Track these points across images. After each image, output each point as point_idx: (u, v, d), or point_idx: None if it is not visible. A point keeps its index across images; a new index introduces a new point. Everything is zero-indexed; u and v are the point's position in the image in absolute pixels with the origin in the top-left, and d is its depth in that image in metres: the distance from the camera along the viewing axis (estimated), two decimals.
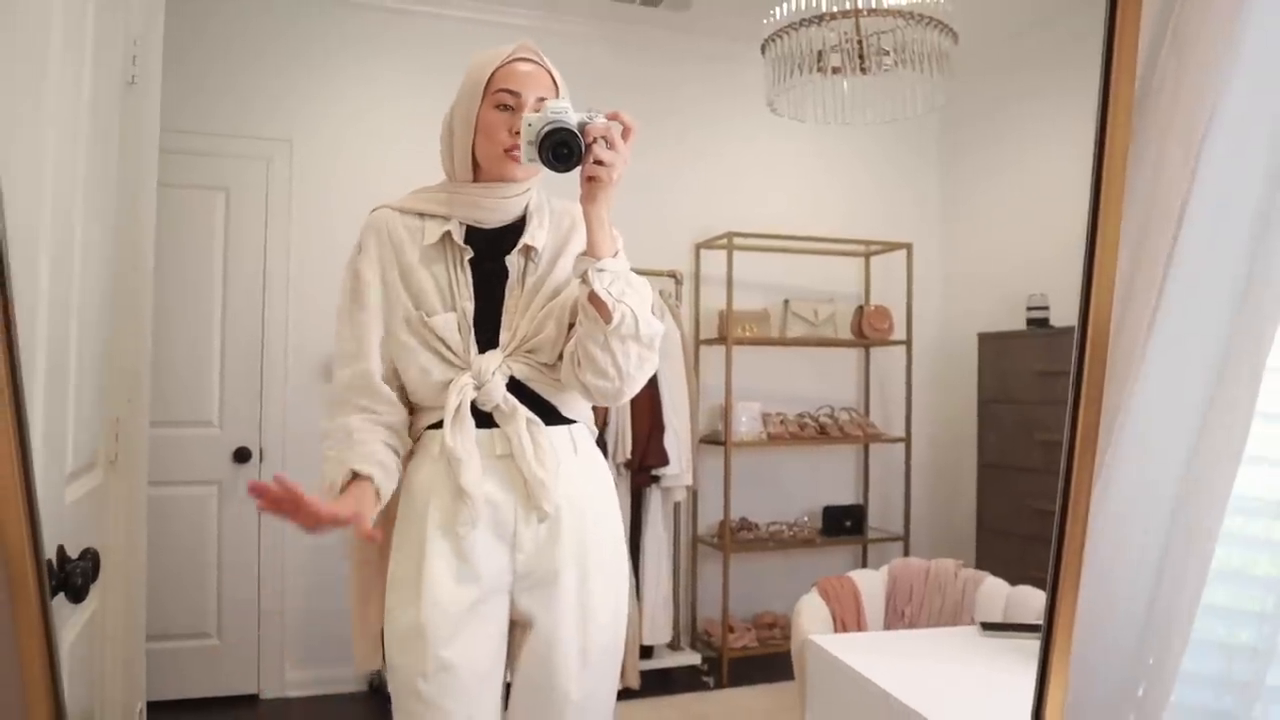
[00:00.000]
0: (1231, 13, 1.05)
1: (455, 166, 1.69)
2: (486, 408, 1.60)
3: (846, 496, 4.91)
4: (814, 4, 2.91)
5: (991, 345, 4.39)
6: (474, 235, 1.67)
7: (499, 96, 1.62)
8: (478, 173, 1.67)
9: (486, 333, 1.64)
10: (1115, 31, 0.99)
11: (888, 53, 2.93)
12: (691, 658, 4.40)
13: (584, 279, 1.53)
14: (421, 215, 1.68)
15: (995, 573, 3.86)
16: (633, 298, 1.55)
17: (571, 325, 1.63)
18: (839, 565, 4.86)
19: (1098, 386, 1.06)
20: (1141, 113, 1.05)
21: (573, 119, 1.50)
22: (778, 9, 3.00)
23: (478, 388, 1.60)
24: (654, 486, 4.25)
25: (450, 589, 1.56)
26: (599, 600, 1.64)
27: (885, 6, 2.86)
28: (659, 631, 4.23)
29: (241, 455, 3.97)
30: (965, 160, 5.06)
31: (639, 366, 1.60)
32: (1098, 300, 1.03)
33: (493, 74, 1.63)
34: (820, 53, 2.95)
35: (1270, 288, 1.07)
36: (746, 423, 4.52)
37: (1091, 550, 1.05)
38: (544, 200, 1.74)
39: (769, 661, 4.24)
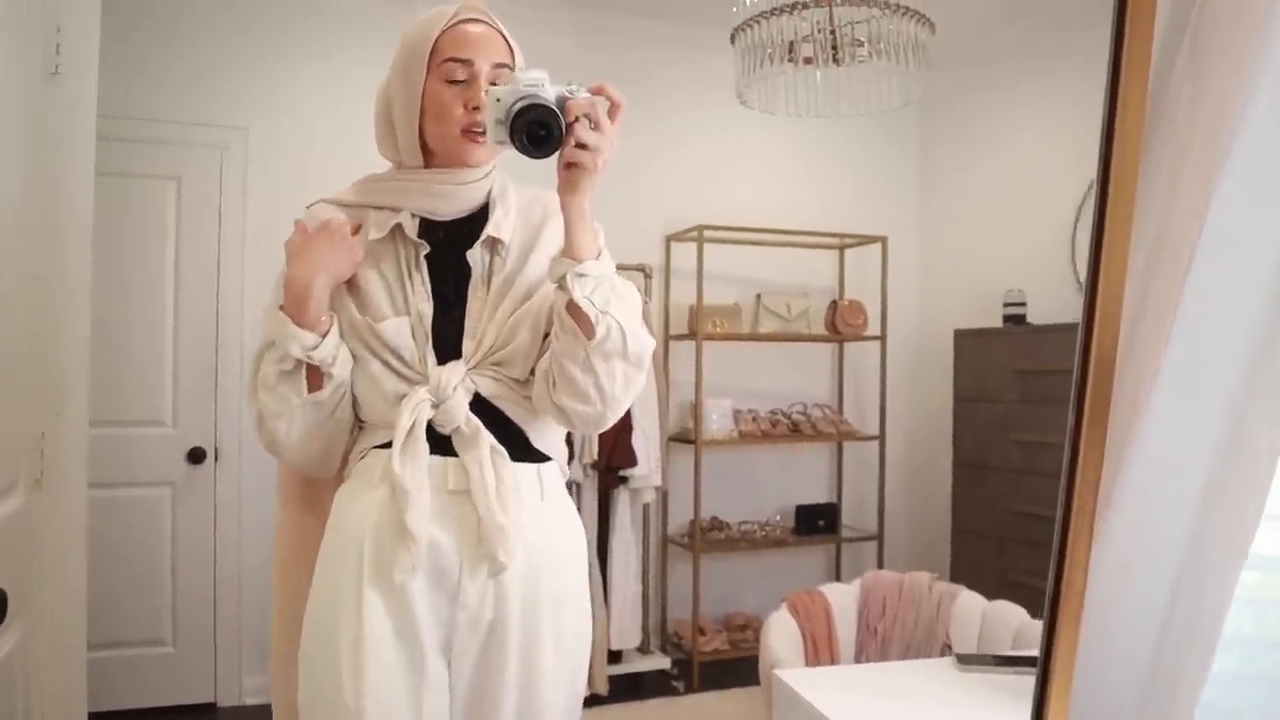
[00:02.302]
0: (1260, 20, 0.92)
1: (401, 151, 1.45)
2: (445, 430, 1.36)
3: (820, 495, 4.83)
4: None
5: (968, 342, 4.31)
6: (429, 228, 1.44)
7: (447, 67, 1.39)
8: (429, 158, 1.44)
9: (447, 341, 1.40)
10: (1124, 31, 0.86)
11: (862, 43, 2.82)
12: (661, 661, 4.32)
13: (561, 284, 1.30)
14: (366, 208, 1.46)
15: (970, 574, 3.79)
16: (619, 308, 1.33)
17: (547, 335, 1.40)
18: (812, 565, 4.79)
19: (1102, 424, 0.93)
20: (1154, 128, 0.93)
21: (550, 93, 1.25)
22: None
23: (435, 405, 1.36)
24: (622, 488, 4.14)
25: (391, 650, 1.33)
26: (549, 667, 1.41)
27: None
28: (627, 636, 4.13)
29: (196, 455, 3.84)
30: (943, 152, 4.97)
31: (625, 389, 1.37)
32: (1101, 333, 0.90)
33: (437, 40, 1.40)
34: (792, 43, 2.83)
35: None
36: (717, 420, 4.42)
37: (1090, 605, 0.95)
38: (507, 184, 1.51)
39: (740, 665, 4.15)
